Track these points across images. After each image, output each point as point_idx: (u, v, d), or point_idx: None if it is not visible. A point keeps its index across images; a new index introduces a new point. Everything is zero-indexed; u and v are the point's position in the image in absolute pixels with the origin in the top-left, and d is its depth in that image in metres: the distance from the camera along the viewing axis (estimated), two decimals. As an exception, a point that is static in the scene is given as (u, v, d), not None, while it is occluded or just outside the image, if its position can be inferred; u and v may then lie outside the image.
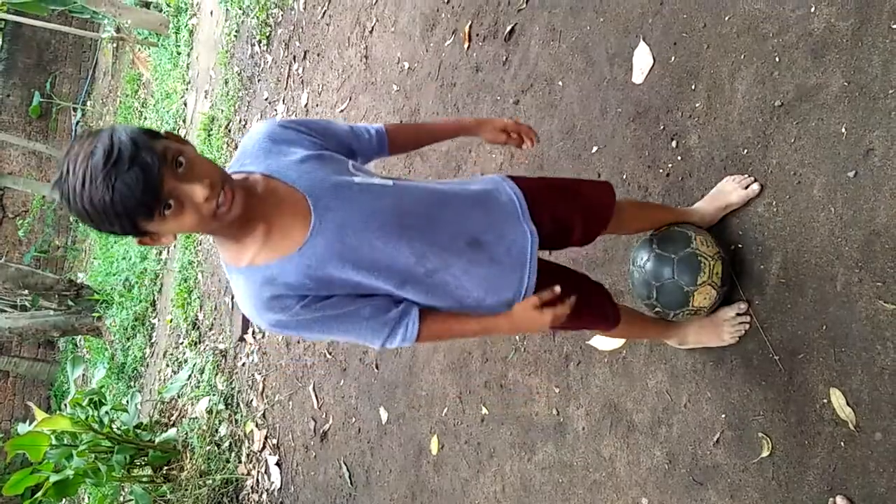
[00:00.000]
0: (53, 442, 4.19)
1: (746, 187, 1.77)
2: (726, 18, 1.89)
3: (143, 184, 1.10)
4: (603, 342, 2.14)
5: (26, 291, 6.89)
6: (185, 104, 6.80)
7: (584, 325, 1.70)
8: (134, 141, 1.11)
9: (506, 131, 1.61)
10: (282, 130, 1.36)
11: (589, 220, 1.62)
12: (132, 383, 6.35)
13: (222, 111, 5.62)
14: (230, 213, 1.20)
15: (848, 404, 1.50)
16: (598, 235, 1.69)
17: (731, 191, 1.79)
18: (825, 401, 1.55)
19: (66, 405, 5.19)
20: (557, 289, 1.43)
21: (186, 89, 6.86)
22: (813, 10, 1.68)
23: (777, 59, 1.75)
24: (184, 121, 6.74)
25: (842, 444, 1.50)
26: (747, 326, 1.73)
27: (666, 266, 1.70)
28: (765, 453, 1.65)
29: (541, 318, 1.41)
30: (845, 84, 1.59)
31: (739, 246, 1.78)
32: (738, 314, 1.74)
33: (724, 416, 1.76)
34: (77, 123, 11.11)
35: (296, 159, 1.32)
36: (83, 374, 7.42)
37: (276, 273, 1.26)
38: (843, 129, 1.58)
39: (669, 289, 1.70)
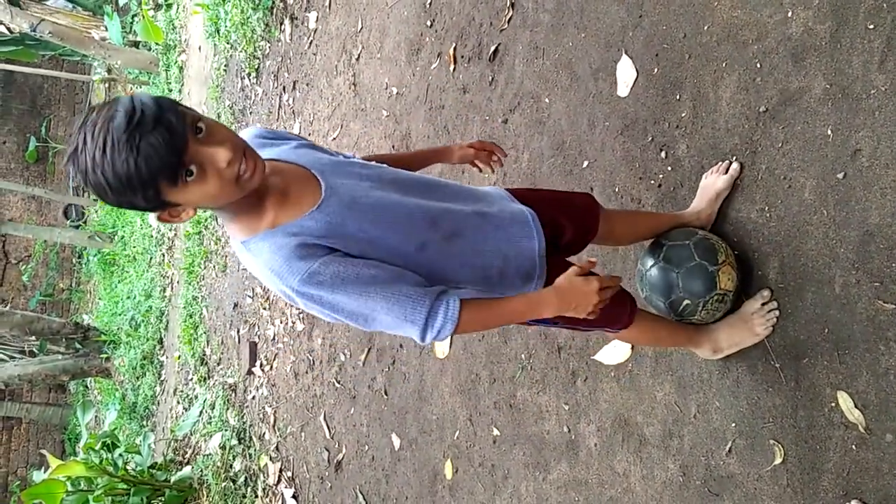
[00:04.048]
0: (69, 488, 4.20)
1: (726, 171, 1.79)
2: (705, 28, 1.90)
3: (169, 144, 1.07)
4: (608, 356, 2.13)
5: (33, 337, 6.91)
6: (180, 140, 6.83)
7: (598, 324, 1.61)
8: (157, 103, 1.09)
9: (473, 148, 1.72)
10: (269, 132, 1.43)
11: (576, 221, 1.65)
12: (144, 423, 6.35)
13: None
14: (253, 180, 1.18)
15: (856, 407, 1.50)
16: (589, 238, 1.71)
17: (713, 181, 1.81)
18: (833, 404, 1.54)
19: (79, 449, 5.19)
20: (594, 259, 1.41)
21: (180, 125, 6.90)
22: (790, 14, 1.69)
23: (758, 66, 1.76)
24: (179, 157, 6.78)
25: (853, 447, 1.50)
26: (778, 313, 1.68)
27: (685, 251, 1.70)
28: (778, 460, 1.64)
29: (588, 285, 1.32)
30: (827, 86, 1.60)
31: (736, 253, 1.78)
32: (763, 304, 1.70)
33: (734, 424, 1.75)
34: (74, 165, 11.18)
35: (289, 147, 1.38)
36: (95, 416, 7.43)
37: (299, 229, 1.23)
38: (829, 132, 1.59)
39: (694, 273, 1.67)
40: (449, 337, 1.34)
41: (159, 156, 1.06)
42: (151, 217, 1.17)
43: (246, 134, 1.40)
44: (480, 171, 1.80)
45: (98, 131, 1.05)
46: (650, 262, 1.76)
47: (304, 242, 1.21)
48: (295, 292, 1.22)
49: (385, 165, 1.47)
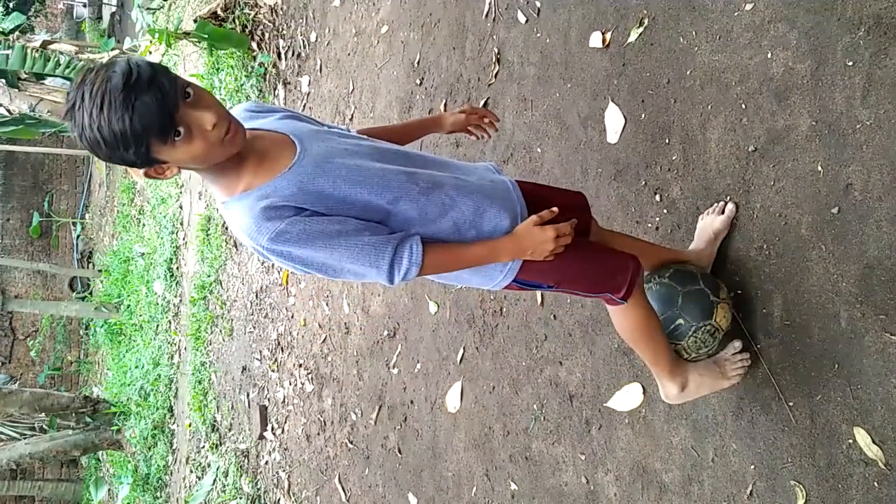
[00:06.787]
0: (84, 570, 4.12)
1: (723, 211, 1.81)
2: (688, 73, 1.93)
3: (161, 105, 1.14)
4: (621, 402, 2.11)
5: (43, 414, 6.87)
6: (181, 207, 6.91)
7: (598, 288, 1.58)
8: (151, 66, 1.16)
9: (464, 113, 1.74)
10: (258, 105, 1.50)
11: (567, 211, 1.56)
12: (158, 494, 6.26)
13: (217, 210, 5.71)
14: (234, 144, 1.26)
15: (874, 442, 1.48)
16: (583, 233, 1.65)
17: (710, 221, 1.83)
18: (851, 441, 1.52)
19: (93, 527, 5.11)
20: (555, 209, 1.46)
21: (181, 192, 6.99)
22: (769, 55, 1.72)
23: (744, 106, 1.78)
24: (181, 223, 6.84)
25: (875, 484, 1.47)
26: (748, 363, 1.73)
27: (691, 277, 1.73)
28: (800, 501, 1.61)
29: (543, 234, 1.42)
30: (813, 123, 1.62)
31: (739, 292, 1.78)
32: (735, 353, 1.74)
33: (752, 466, 1.72)
34: (78, 237, 11.28)
35: (274, 119, 1.44)
36: (109, 490, 7.33)
37: (271, 190, 1.29)
38: (819, 168, 1.61)
39: (695, 296, 1.69)
40: (414, 277, 1.37)
41: (152, 114, 1.14)
42: (139, 175, 1.29)
43: (236, 109, 1.46)
44: (477, 138, 1.80)
45: (96, 90, 1.13)
46: (653, 278, 1.78)
47: (273, 205, 1.28)
48: (266, 250, 1.29)
49: (367, 137, 1.51)
